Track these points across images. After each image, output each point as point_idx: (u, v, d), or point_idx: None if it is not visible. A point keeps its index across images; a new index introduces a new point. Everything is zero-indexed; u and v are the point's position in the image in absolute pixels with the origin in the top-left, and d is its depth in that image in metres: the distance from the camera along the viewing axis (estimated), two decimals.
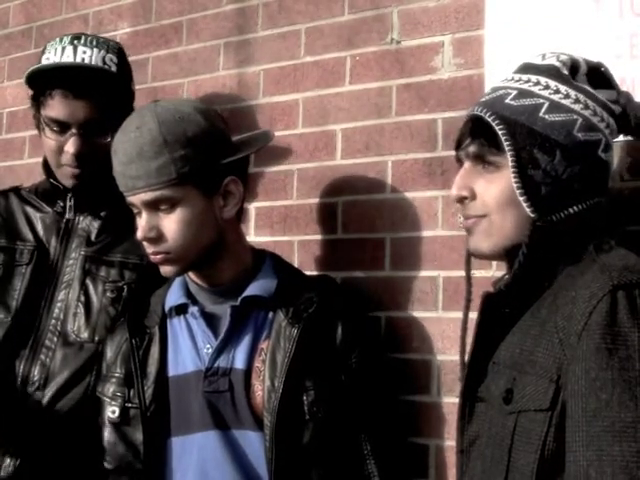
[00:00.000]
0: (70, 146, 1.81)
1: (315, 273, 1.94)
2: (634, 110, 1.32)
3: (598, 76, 1.34)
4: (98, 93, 1.81)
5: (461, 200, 1.32)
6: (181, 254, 1.56)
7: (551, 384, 1.13)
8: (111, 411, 1.62)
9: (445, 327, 1.77)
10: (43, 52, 1.89)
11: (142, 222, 1.56)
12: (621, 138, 1.42)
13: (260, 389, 1.54)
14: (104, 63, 1.86)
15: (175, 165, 1.53)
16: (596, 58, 1.63)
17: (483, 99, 1.34)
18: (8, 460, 1.73)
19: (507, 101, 1.29)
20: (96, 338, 1.78)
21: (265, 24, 2.14)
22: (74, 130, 1.80)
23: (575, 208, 1.26)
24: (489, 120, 1.28)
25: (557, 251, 1.25)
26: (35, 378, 1.78)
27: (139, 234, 1.57)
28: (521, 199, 1.26)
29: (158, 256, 1.57)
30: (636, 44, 1.60)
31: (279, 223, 2.04)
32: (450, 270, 1.77)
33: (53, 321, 1.82)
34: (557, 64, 1.30)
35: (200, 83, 2.23)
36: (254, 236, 2.06)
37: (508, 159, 1.26)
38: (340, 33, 2.01)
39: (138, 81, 2.27)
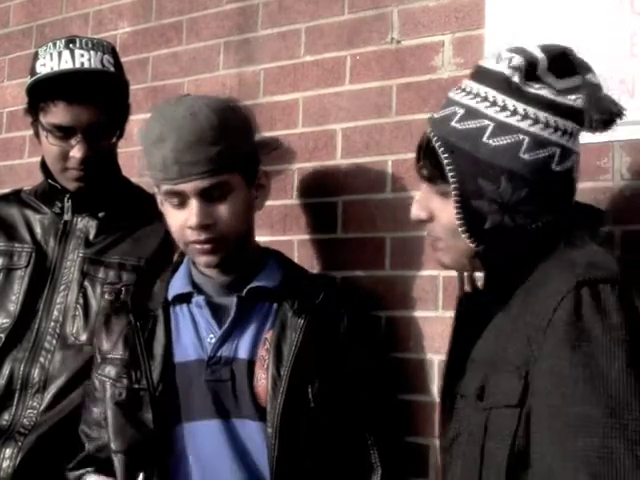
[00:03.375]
0: (77, 151, 1.79)
1: (315, 273, 1.94)
2: (593, 104, 1.24)
3: (564, 64, 1.26)
4: (101, 96, 1.80)
5: (421, 222, 1.32)
6: (231, 241, 1.57)
7: (520, 380, 1.13)
8: (117, 393, 1.61)
9: (445, 327, 1.76)
10: (36, 58, 1.86)
11: (195, 210, 1.53)
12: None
13: (264, 378, 1.55)
14: (103, 65, 1.84)
15: (232, 152, 1.54)
16: (596, 58, 1.63)
17: (437, 114, 1.30)
18: (7, 462, 1.73)
19: (453, 123, 1.25)
20: (94, 340, 1.77)
21: (265, 23, 2.14)
22: (80, 135, 1.79)
23: (532, 226, 1.23)
24: (437, 147, 1.25)
25: (529, 251, 1.24)
26: (35, 380, 1.78)
27: (194, 221, 1.53)
28: (463, 236, 1.24)
29: (208, 245, 1.55)
30: (636, 43, 1.60)
31: (279, 222, 2.04)
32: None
33: (52, 323, 1.82)
34: (507, 72, 1.24)
35: (200, 82, 2.23)
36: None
37: (451, 190, 1.24)
38: (340, 32, 2.01)
39: (138, 80, 2.28)
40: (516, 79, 1.23)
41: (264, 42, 2.13)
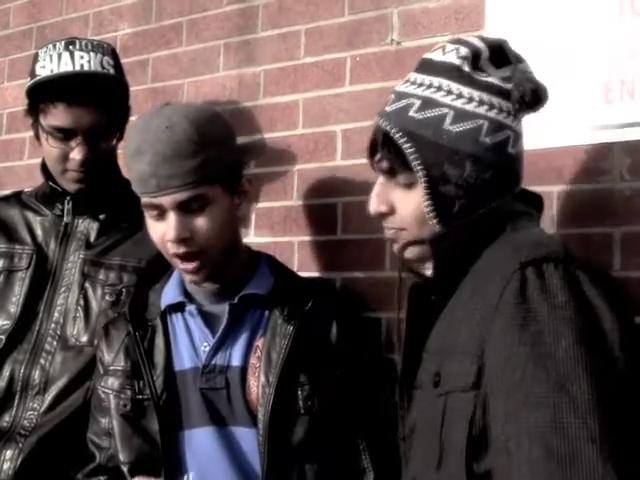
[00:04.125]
0: (77, 153, 1.80)
1: (315, 274, 1.94)
2: (519, 86, 1.27)
3: (501, 55, 1.30)
4: (101, 98, 1.80)
5: (381, 215, 1.32)
6: (213, 253, 1.56)
7: (473, 364, 1.14)
8: (122, 404, 1.61)
9: None
10: (36, 60, 1.86)
11: (172, 223, 1.52)
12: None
13: (255, 385, 1.55)
14: (102, 67, 1.85)
15: (210, 164, 1.53)
16: (596, 58, 1.64)
17: (388, 108, 1.31)
18: (8, 463, 1.73)
19: (411, 114, 1.26)
20: (95, 342, 1.77)
21: (265, 25, 2.14)
22: (80, 137, 1.79)
23: (487, 207, 1.26)
24: (396, 138, 1.26)
25: (476, 237, 1.26)
26: (35, 382, 1.78)
27: (171, 235, 1.52)
28: (433, 222, 1.25)
29: (190, 263, 1.55)
30: (636, 44, 1.60)
31: (279, 223, 2.04)
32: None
33: (53, 325, 1.82)
34: (457, 62, 1.27)
35: (200, 84, 2.23)
36: (254, 237, 2.06)
37: (419, 178, 1.25)
38: (340, 34, 2.01)
39: (138, 82, 2.28)
40: (466, 68, 1.26)
41: (264, 43, 2.13)
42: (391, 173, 1.29)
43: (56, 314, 1.82)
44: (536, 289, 1.09)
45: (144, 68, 2.34)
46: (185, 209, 1.53)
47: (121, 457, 1.60)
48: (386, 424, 1.70)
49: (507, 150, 1.26)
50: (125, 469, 1.60)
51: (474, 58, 1.27)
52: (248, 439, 1.55)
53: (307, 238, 2.00)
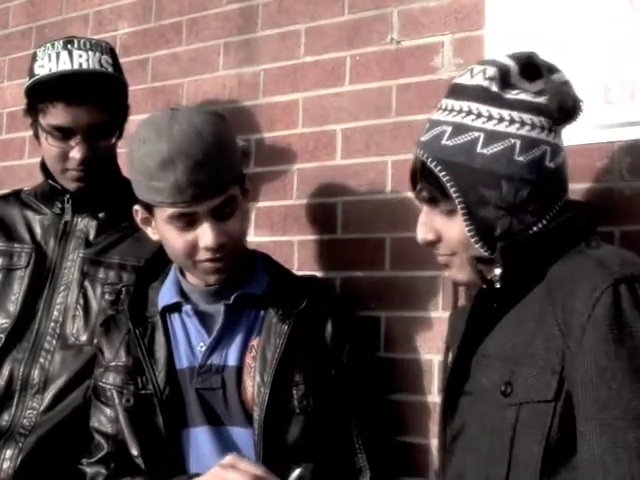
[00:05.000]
0: (76, 152, 1.80)
1: (315, 273, 1.94)
2: (554, 98, 1.28)
3: (532, 68, 1.31)
4: (99, 97, 1.81)
5: (429, 244, 1.35)
6: (237, 254, 1.58)
7: (554, 375, 1.15)
8: (125, 399, 1.61)
9: (445, 327, 1.77)
10: (35, 59, 1.86)
11: (209, 229, 1.51)
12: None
13: (250, 385, 1.55)
14: (101, 66, 1.85)
15: (232, 165, 1.56)
16: (595, 58, 1.64)
17: (424, 137, 1.33)
18: (8, 463, 1.73)
19: (444, 142, 1.28)
20: (95, 341, 1.77)
21: (265, 24, 2.14)
22: (79, 136, 1.80)
23: (539, 225, 1.27)
24: (432, 167, 1.28)
25: (546, 249, 1.26)
26: (35, 381, 1.78)
27: (210, 241, 1.51)
28: (477, 246, 1.27)
29: (220, 263, 1.55)
30: (636, 44, 1.60)
31: (279, 223, 2.04)
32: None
33: (52, 324, 1.82)
34: (485, 83, 1.28)
35: (200, 83, 2.23)
36: (254, 236, 2.06)
37: (457, 205, 1.27)
38: (340, 33, 2.01)
39: (138, 81, 2.28)
40: (494, 88, 1.28)
41: (264, 43, 2.13)
42: (432, 202, 1.32)
43: (55, 313, 1.82)
44: (630, 306, 1.11)
45: (144, 67, 2.34)
46: (217, 214, 1.53)
47: (133, 451, 1.60)
48: (382, 423, 1.71)
49: (544, 165, 1.27)
50: (142, 463, 1.59)
51: (503, 76, 1.28)
52: (244, 439, 1.56)
53: (307, 237, 2.00)
